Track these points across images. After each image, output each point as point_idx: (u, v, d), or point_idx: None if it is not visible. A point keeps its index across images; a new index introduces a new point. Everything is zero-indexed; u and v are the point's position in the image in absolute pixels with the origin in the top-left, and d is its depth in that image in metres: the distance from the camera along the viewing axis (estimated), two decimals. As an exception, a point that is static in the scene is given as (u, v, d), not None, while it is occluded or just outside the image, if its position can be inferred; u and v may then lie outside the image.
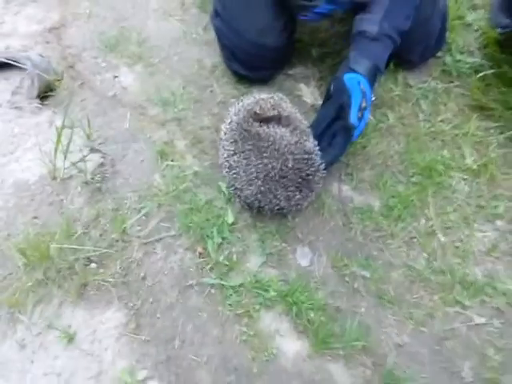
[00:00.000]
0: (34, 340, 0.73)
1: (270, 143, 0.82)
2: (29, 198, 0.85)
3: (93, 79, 1.07)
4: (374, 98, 0.91)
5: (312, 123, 0.89)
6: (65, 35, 1.16)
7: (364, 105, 0.86)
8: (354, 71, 0.88)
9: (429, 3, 0.97)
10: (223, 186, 0.91)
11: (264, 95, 0.91)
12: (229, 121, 0.89)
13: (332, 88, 0.89)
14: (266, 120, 0.87)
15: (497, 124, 1.01)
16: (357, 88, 0.85)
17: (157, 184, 0.91)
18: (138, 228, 0.85)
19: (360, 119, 0.86)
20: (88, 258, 0.80)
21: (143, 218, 0.87)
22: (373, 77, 0.90)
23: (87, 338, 0.74)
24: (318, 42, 1.14)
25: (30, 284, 0.76)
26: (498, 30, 1.03)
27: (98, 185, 0.89)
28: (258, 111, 0.88)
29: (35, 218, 0.83)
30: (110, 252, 0.81)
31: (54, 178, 0.88)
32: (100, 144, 0.95)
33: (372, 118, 1.03)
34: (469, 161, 0.96)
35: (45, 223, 0.83)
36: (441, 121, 1.03)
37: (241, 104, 0.90)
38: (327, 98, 0.90)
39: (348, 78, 0.87)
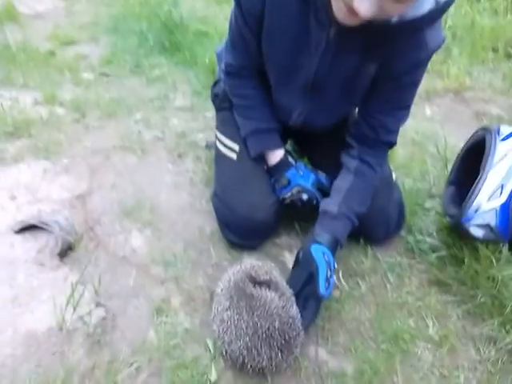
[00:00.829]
0: None
1: (261, 303, 0.94)
2: (35, 347, 0.95)
3: (108, 241, 1.25)
4: (336, 266, 1.07)
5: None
6: (89, 202, 1.39)
7: (329, 274, 1.02)
8: (318, 243, 1.06)
9: (384, 195, 1.21)
10: (210, 343, 1.01)
11: (259, 262, 1.07)
12: (227, 279, 1.02)
13: (300, 256, 1.06)
14: (259, 283, 1.01)
15: (455, 298, 1.15)
16: (322, 260, 1.02)
17: (150, 339, 1.01)
18: (128, 381, 0.93)
19: (327, 288, 1.01)
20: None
21: (134, 371, 0.95)
22: (335, 248, 1.08)
23: None
24: (300, 217, 1.34)
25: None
26: (447, 219, 1.24)
27: (98, 337, 0.99)
28: (253, 275, 1.03)
29: (38, 366, 0.92)
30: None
31: (61, 329, 0.99)
32: (105, 299, 1.08)
33: (346, 285, 1.18)
34: (431, 331, 1.07)
35: (45, 372, 0.91)
36: (407, 292, 1.17)
37: (239, 266, 1.05)
38: (295, 264, 1.07)
39: (314, 248, 1.05)
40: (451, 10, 2.58)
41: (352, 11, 0.75)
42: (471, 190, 1.08)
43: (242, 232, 1.23)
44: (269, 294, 0.97)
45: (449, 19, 2.50)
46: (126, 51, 2.50)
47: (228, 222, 1.24)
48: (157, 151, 1.67)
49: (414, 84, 1.04)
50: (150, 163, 1.60)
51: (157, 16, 2.70)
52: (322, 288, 1.00)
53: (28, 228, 1.21)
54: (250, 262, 1.06)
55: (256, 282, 1.01)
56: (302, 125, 1.22)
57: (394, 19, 0.84)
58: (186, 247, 1.27)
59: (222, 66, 1.22)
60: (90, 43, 2.69)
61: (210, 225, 1.34)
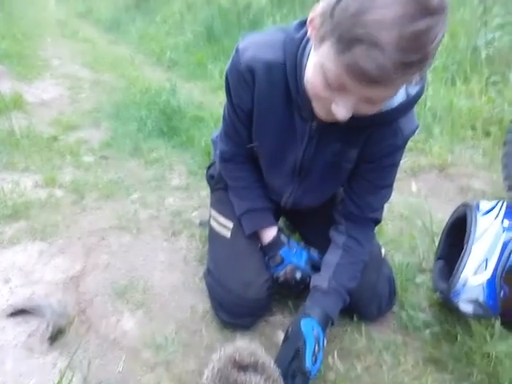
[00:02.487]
0: None
1: (245, 391, 0.92)
2: None
3: (99, 323, 1.24)
4: (325, 342, 1.07)
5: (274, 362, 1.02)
6: (83, 282, 1.40)
7: (317, 348, 1.01)
8: (309, 317, 1.07)
9: (374, 271, 1.23)
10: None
11: (244, 344, 1.06)
12: (211, 366, 1.00)
13: (290, 331, 1.06)
14: (244, 367, 1.00)
15: (451, 376, 1.12)
16: (311, 334, 1.02)
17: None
18: None
19: (314, 362, 0.99)
20: None
21: None
22: (325, 324, 1.08)
23: None
24: (294, 295, 1.35)
25: None
26: (437, 294, 1.25)
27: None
28: (237, 359, 1.01)
29: None
30: None
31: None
32: (94, 386, 1.05)
33: (341, 367, 1.15)
34: (430, 413, 1.04)
35: None
36: (403, 371, 1.15)
37: (222, 351, 1.03)
38: (285, 340, 1.07)
39: (304, 322, 1.05)
40: (430, 92, 2.78)
41: (331, 113, 0.83)
42: (457, 266, 1.11)
43: (234, 311, 1.23)
44: (253, 379, 0.94)
45: (428, 101, 2.68)
46: (126, 136, 2.64)
47: (221, 300, 1.24)
48: (152, 230, 1.71)
49: (394, 165, 1.11)
50: (144, 242, 1.63)
51: (156, 104, 2.89)
52: (308, 363, 0.99)
53: (21, 311, 1.21)
54: (234, 346, 1.04)
55: (241, 367, 0.99)
56: (293, 205, 1.28)
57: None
58: (177, 329, 1.25)
59: (218, 152, 1.30)
60: (92, 128, 2.84)
61: (203, 304, 1.34)
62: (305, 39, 0.92)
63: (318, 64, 0.79)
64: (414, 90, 0.92)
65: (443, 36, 0.69)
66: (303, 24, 0.92)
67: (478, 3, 3.43)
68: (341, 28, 0.69)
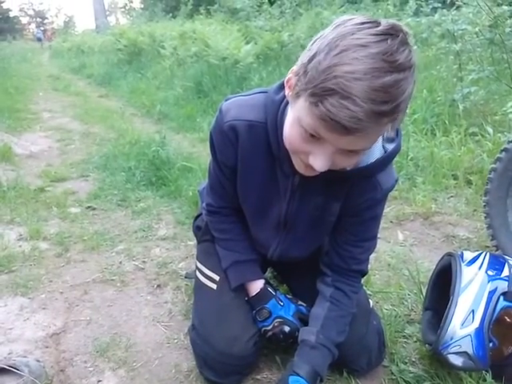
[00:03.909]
0: None
1: None
2: None
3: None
4: None
5: None
6: (64, 340, 1.35)
7: None
8: (297, 374, 1.04)
9: (361, 322, 1.21)
10: None
11: None
12: None
13: None
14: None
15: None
16: None
17: None
18: None
19: None
20: None
21: None
22: (314, 381, 1.05)
23: None
24: (282, 350, 1.31)
25: None
26: (427, 346, 1.23)
27: None
28: None
29: None
30: None
31: None
32: None
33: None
34: None
35: None
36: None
37: None
38: None
39: (292, 380, 1.02)
40: (411, 143, 2.88)
41: (309, 166, 0.86)
42: (444, 318, 1.10)
43: (220, 368, 1.19)
44: None
45: (410, 152, 2.77)
46: (114, 186, 2.65)
47: (205, 357, 1.20)
48: (137, 282, 1.68)
49: (376, 217, 1.13)
50: (128, 295, 1.59)
51: (145, 154, 2.93)
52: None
53: (-4, 371, 1.15)
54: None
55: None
56: (279, 258, 1.28)
57: (349, 167, 0.95)
58: (161, 389, 1.20)
59: (204, 205, 1.31)
60: (80, 180, 2.85)
61: (188, 362, 1.29)
62: (284, 101, 0.96)
63: (295, 118, 0.82)
64: (390, 146, 0.96)
65: (412, 91, 0.74)
66: (282, 86, 0.96)
67: (453, 60, 3.63)
68: (314, 82, 0.73)
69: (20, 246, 1.87)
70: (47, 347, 1.30)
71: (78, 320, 1.44)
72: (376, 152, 0.96)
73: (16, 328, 1.37)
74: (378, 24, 0.72)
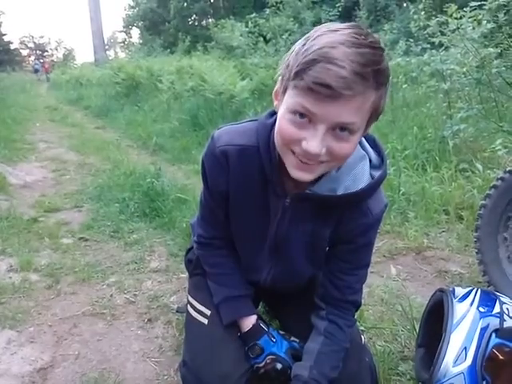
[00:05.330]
0: None
1: None
2: None
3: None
4: None
5: None
6: (51, 375, 1.31)
7: None
8: None
9: (354, 358, 1.19)
10: None
11: None
12: None
13: None
14: None
15: None
16: None
17: None
18: None
19: None
20: None
21: None
22: None
23: None
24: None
25: None
26: (420, 384, 1.21)
27: None
28: None
29: None
30: None
31: None
32: None
33: None
34: None
35: None
36: None
37: None
38: None
39: None
40: (403, 178, 2.92)
41: (301, 164, 0.88)
42: (436, 356, 1.09)
43: (210, 406, 1.16)
44: None
45: (402, 187, 2.81)
46: (107, 217, 2.65)
47: (196, 395, 1.17)
48: (127, 316, 1.66)
49: (369, 244, 1.14)
50: (118, 330, 1.57)
51: (139, 186, 2.95)
52: None
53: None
54: None
55: None
56: (272, 283, 1.27)
57: (339, 192, 0.98)
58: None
59: (195, 238, 1.31)
60: (73, 210, 2.85)
61: (178, 400, 1.27)
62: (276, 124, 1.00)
63: (284, 111, 0.87)
64: (377, 173, 1.00)
65: (389, 71, 0.83)
66: (273, 112, 1.00)
67: (442, 98, 3.75)
68: (296, 63, 0.81)
69: (10, 278, 1.85)
70: (34, 382, 1.27)
71: (67, 354, 1.41)
72: (364, 179, 0.99)
73: (2, 362, 1.34)
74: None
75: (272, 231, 1.13)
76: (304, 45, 0.82)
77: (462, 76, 3.51)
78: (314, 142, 0.85)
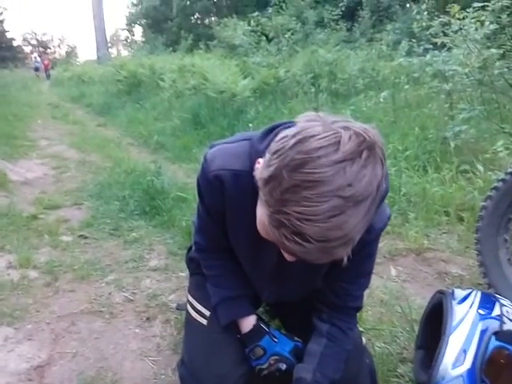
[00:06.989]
0: None
1: None
2: None
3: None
4: None
5: None
6: (48, 373, 1.31)
7: None
8: None
9: (354, 361, 1.18)
10: None
11: None
12: None
13: None
14: None
15: None
16: None
17: None
18: None
19: None
20: None
21: None
22: None
23: None
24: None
25: None
26: (418, 387, 1.21)
27: None
28: None
29: None
30: None
31: None
32: None
33: None
34: None
35: None
36: None
37: None
38: None
39: None
40: (404, 179, 2.91)
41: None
42: (435, 358, 1.08)
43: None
44: None
45: (403, 187, 2.80)
46: (107, 215, 2.64)
47: (194, 395, 1.16)
48: (125, 314, 1.65)
49: (371, 255, 1.13)
50: (116, 328, 1.56)
51: (140, 184, 2.94)
52: None
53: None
54: None
55: None
56: (275, 301, 1.27)
57: None
58: None
59: (193, 242, 1.30)
60: (73, 208, 2.85)
61: (175, 398, 1.26)
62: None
63: (261, 217, 0.84)
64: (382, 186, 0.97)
65: (373, 210, 0.77)
66: (266, 134, 0.98)
67: (444, 99, 3.74)
68: (270, 207, 0.75)
69: (9, 275, 1.84)
70: (30, 380, 1.27)
71: (64, 352, 1.40)
72: None
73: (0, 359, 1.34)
74: (338, 147, 0.69)
75: (273, 258, 1.09)
76: (280, 183, 0.71)
77: (465, 77, 3.50)
78: (289, 256, 0.83)
